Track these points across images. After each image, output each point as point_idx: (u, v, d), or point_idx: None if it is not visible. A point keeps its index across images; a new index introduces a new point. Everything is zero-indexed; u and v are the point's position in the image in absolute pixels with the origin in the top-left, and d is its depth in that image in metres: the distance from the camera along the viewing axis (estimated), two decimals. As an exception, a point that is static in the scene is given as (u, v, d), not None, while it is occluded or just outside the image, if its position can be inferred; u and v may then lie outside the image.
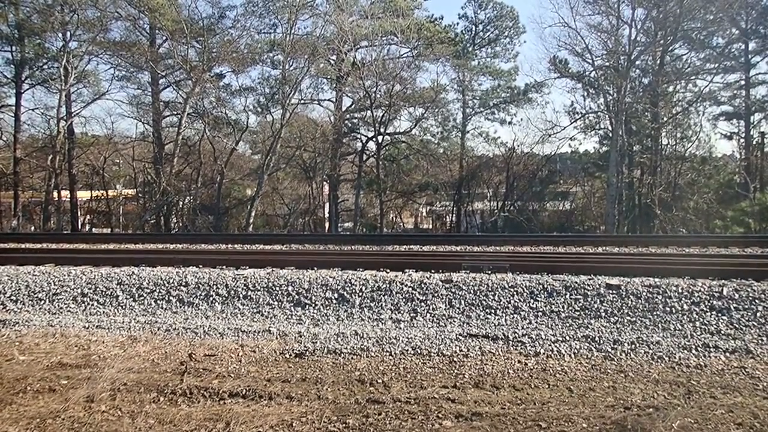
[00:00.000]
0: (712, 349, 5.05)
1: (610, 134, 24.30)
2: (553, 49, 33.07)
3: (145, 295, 7.23)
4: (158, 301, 7.08)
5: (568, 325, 5.89)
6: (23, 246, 11.91)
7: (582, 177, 28.91)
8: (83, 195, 28.75)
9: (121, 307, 7.03)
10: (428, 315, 6.32)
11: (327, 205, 28.91)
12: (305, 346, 5.38)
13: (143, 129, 28.85)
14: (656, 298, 6.17)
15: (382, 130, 26.07)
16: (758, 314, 5.74)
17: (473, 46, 31.56)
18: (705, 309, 5.93)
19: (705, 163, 25.35)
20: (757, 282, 6.47)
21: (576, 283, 6.58)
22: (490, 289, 6.63)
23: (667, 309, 5.98)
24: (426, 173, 29.00)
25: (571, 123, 26.28)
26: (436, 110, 29.03)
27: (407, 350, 5.23)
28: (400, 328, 5.98)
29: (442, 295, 6.63)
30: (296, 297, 6.89)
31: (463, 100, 30.95)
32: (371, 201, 29.93)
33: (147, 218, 25.40)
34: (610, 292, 6.34)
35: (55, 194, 25.17)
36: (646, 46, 23.83)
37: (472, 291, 6.62)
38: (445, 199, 30.22)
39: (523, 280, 6.78)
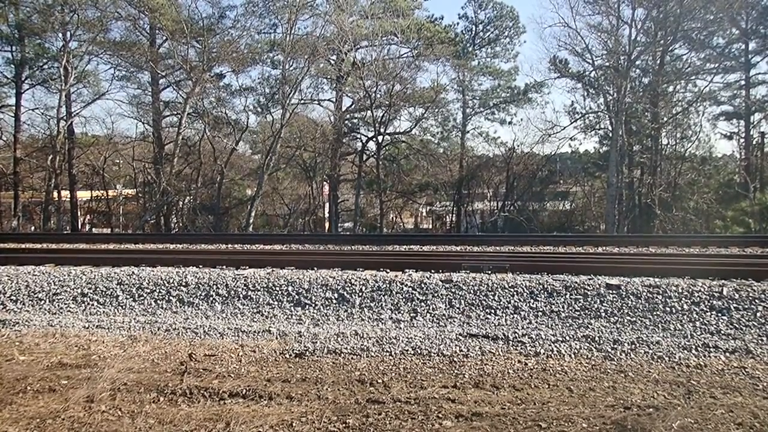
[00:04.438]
0: (712, 349, 5.05)
1: (610, 134, 24.31)
2: (553, 49, 33.08)
3: (145, 295, 7.23)
4: (158, 301, 7.09)
5: (568, 325, 5.89)
6: (23, 246, 11.92)
7: (582, 177, 28.92)
8: (83, 195, 28.76)
9: (121, 307, 7.04)
10: (428, 315, 6.32)
11: (327, 205, 28.91)
12: (305, 346, 5.38)
13: (143, 129, 28.89)
14: (656, 298, 6.17)
15: (382, 130, 26.08)
16: (758, 314, 5.74)
17: (473, 46, 31.57)
18: (705, 309, 5.93)
19: (705, 163, 25.37)
20: (757, 282, 6.46)
21: (576, 283, 6.58)
22: (490, 289, 6.63)
23: (667, 309, 5.98)
24: (426, 173, 29.01)
25: (571, 123, 26.32)
26: (436, 110, 29.05)
27: (407, 350, 5.23)
28: (400, 328, 5.98)
29: (442, 295, 6.63)
30: (296, 297, 6.90)
31: (463, 100, 31.00)
32: (371, 201, 29.94)
33: (147, 218, 25.40)
34: (610, 292, 6.34)
35: (55, 194, 25.15)
36: (646, 46, 23.83)
37: (472, 291, 6.62)
38: (445, 199, 30.23)
39: (523, 280, 6.78)
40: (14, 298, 7.36)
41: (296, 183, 30.94)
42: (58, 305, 7.12)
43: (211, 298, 7.05)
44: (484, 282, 6.78)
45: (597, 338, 5.40)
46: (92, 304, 7.12)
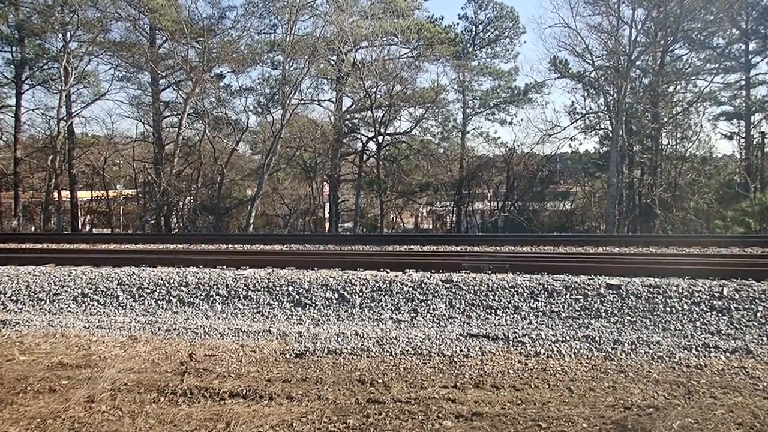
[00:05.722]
0: (712, 349, 5.05)
1: (611, 134, 24.31)
2: (554, 50, 33.19)
3: (145, 295, 7.23)
4: (159, 302, 7.09)
5: (568, 325, 5.89)
6: (23, 246, 11.92)
7: (582, 177, 28.92)
8: (83, 195, 28.77)
9: (122, 307, 7.04)
10: (428, 315, 6.32)
11: (327, 205, 28.92)
12: (305, 346, 5.39)
13: (143, 129, 28.93)
14: (656, 298, 6.17)
15: (382, 130, 26.08)
16: (758, 314, 5.74)
17: (473, 46, 31.58)
18: (705, 309, 5.93)
19: (705, 163, 25.36)
20: (758, 282, 6.46)
21: (576, 283, 6.58)
22: (490, 289, 6.63)
23: (668, 309, 5.98)
24: (426, 173, 29.01)
25: (572, 123, 26.31)
26: (437, 110, 29.07)
27: (407, 350, 5.23)
28: (401, 328, 5.99)
29: (442, 295, 6.63)
30: (296, 297, 6.90)
31: (463, 101, 31.01)
32: (371, 201, 29.94)
33: (147, 218, 25.40)
34: (611, 292, 6.34)
35: (56, 194, 25.15)
36: (647, 46, 23.84)
37: (472, 291, 6.62)
38: (445, 200, 30.23)
39: (524, 280, 6.78)
40: (15, 298, 7.36)
41: (296, 183, 30.96)
42: (59, 305, 7.12)
43: (212, 299, 7.05)
44: (485, 282, 6.78)
45: (597, 338, 5.40)
46: (92, 305, 7.12)
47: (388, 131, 26.83)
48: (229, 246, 11.66)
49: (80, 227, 26.55)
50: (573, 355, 5.04)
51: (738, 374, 4.49)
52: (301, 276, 7.36)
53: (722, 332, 5.50)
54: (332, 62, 27.30)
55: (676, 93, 25.18)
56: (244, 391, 4.26)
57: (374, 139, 26.53)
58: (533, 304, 6.34)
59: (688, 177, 24.54)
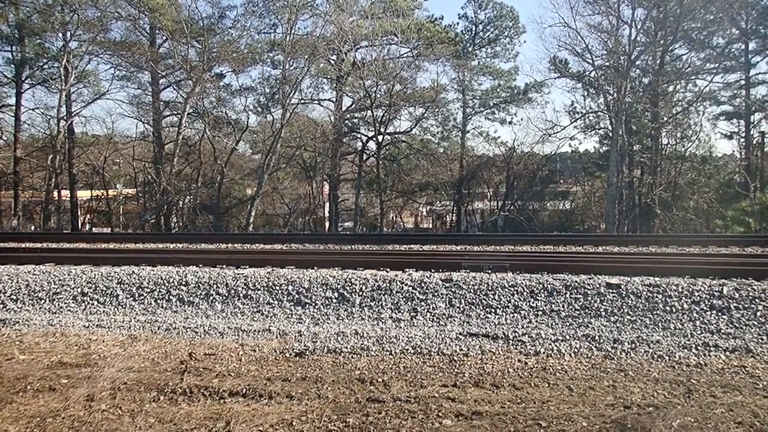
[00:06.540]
0: (712, 348, 5.05)
1: (610, 134, 24.31)
2: (553, 49, 33.15)
3: (145, 294, 7.23)
4: (158, 301, 7.09)
5: (568, 324, 5.89)
6: (23, 245, 11.92)
7: (582, 177, 28.94)
8: (83, 194, 28.77)
9: (122, 306, 7.04)
10: (428, 314, 6.32)
11: (327, 205, 28.93)
12: (305, 345, 5.38)
13: (143, 129, 28.91)
14: (656, 297, 6.16)
15: (382, 129, 26.08)
16: (758, 313, 5.74)
17: (473, 46, 31.60)
18: (705, 308, 5.93)
19: (705, 163, 25.36)
20: (757, 281, 6.46)
21: (576, 282, 6.58)
22: (490, 288, 6.63)
23: (667, 308, 5.98)
24: (426, 173, 29.01)
25: (571, 123, 26.33)
26: (437, 110, 29.06)
27: (407, 349, 5.23)
28: (401, 327, 5.98)
29: (442, 294, 6.62)
30: (296, 296, 6.90)
31: (463, 100, 31.02)
32: (371, 200, 29.95)
33: (147, 218, 25.40)
34: (610, 291, 6.34)
35: (56, 194, 25.16)
36: (646, 46, 23.84)
37: (472, 290, 6.62)
38: (445, 199, 30.24)
39: (523, 280, 6.78)
40: (14, 297, 7.36)
41: (296, 183, 30.96)
42: (58, 304, 7.12)
43: (212, 298, 7.05)
44: (485, 281, 6.78)
45: (597, 337, 5.40)
46: (92, 304, 7.12)
47: (388, 131, 26.85)
48: (229, 245, 11.66)
49: (80, 226, 26.55)
50: (573, 354, 5.04)
51: (738, 373, 4.49)
52: (301, 275, 7.36)
53: (722, 331, 5.50)
54: (332, 62, 27.29)
55: (676, 93, 25.20)
56: (244, 390, 4.25)
57: (374, 139, 26.54)
58: (533, 303, 6.34)
59: (688, 176, 24.56)
